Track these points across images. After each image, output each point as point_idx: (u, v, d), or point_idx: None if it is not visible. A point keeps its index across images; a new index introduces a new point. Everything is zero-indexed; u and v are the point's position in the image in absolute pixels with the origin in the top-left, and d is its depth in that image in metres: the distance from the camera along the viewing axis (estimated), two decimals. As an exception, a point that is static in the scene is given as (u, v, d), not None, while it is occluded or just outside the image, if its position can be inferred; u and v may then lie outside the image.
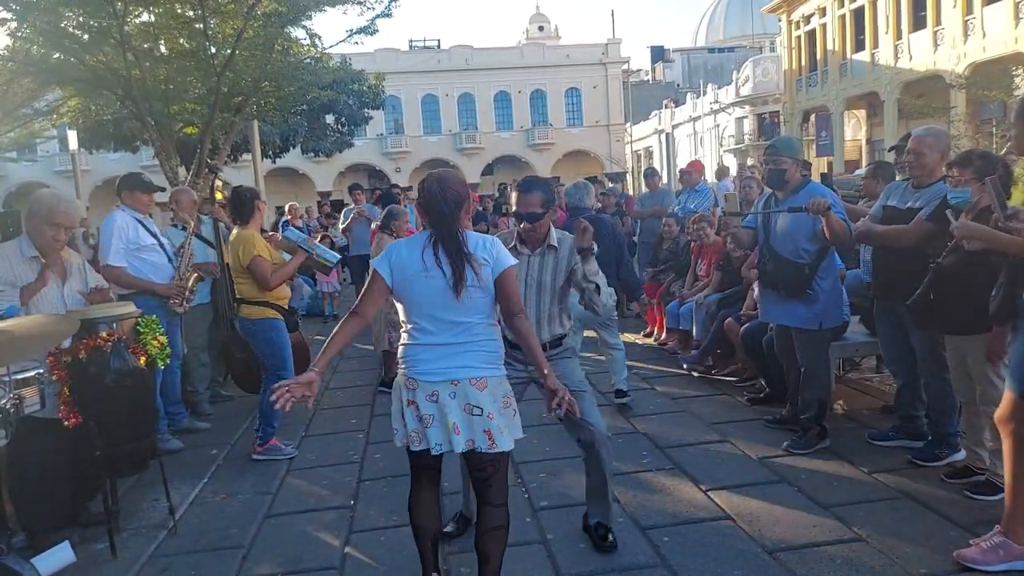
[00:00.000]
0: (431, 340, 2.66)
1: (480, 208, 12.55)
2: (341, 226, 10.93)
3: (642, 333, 7.97)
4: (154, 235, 5.12)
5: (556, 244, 3.29)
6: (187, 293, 5.07)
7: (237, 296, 4.80)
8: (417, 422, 2.66)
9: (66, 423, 3.38)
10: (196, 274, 5.22)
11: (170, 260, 5.12)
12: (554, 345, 3.34)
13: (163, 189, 6.12)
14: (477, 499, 2.77)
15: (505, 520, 2.74)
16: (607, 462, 3.31)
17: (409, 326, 2.73)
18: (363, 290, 2.76)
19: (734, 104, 38.88)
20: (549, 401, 2.64)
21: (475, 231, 2.81)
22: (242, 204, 4.80)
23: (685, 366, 6.43)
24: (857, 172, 14.42)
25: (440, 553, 2.91)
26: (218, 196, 6.22)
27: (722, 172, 8.66)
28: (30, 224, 3.89)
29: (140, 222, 5.04)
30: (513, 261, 2.72)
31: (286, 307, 4.90)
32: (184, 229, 5.51)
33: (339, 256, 4.97)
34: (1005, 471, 2.98)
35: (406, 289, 2.67)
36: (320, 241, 10.74)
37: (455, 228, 2.63)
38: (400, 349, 2.78)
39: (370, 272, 2.76)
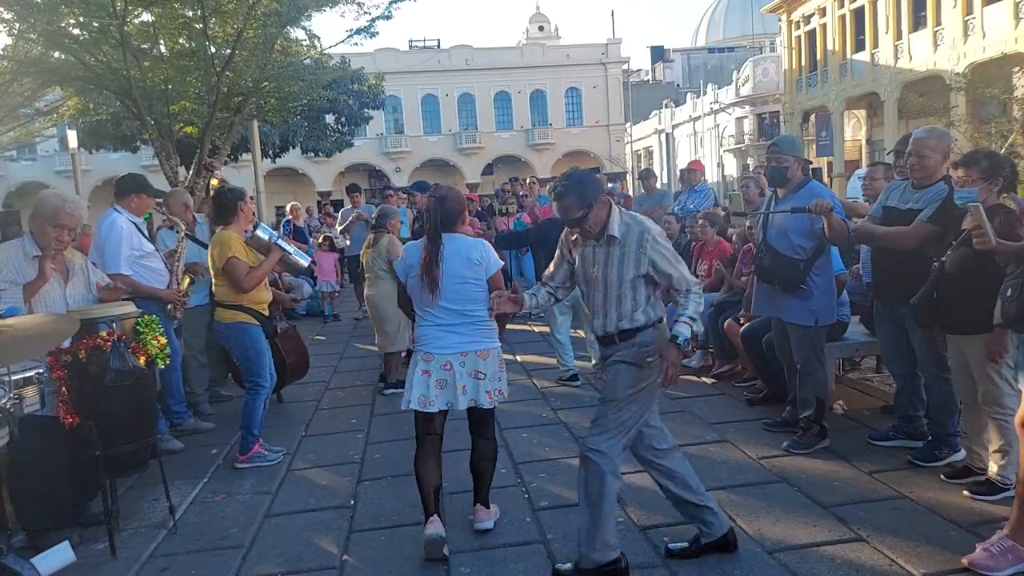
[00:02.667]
0: (443, 322, 3.36)
1: (480, 208, 12.56)
2: (339, 228, 10.93)
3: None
4: (148, 238, 5.11)
5: (618, 235, 3.03)
6: (182, 298, 5.06)
7: (215, 299, 4.74)
8: (427, 388, 3.33)
9: (64, 422, 3.38)
10: (188, 277, 5.19)
11: (165, 265, 5.11)
12: (623, 337, 3.06)
13: (161, 194, 6.11)
14: (473, 436, 3.53)
15: (495, 449, 3.58)
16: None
17: (424, 312, 3.40)
18: (399, 290, 3.58)
19: (734, 104, 38.89)
20: None
21: (478, 229, 3.20)
22: (222, 205, 4.75)
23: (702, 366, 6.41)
24: (858, 172, 14.38)
25: (440, 501, 3.53)
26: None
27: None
28: (34, 224, 3.89)
29: (137, 227, 4.99)
30: (499, 265, 3.43)
31: (264, 312, 4.74)
32: (177, 232, 5.44)
33: (310, 258, 4.85)
34: (1019, 475, 2.94)
35: (415, 287, 3.38)
36: (321, 242, 10.80)
37: (438, 245, 3.31)
38: (416, 330, 3.49)
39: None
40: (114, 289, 4.15)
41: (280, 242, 4.74)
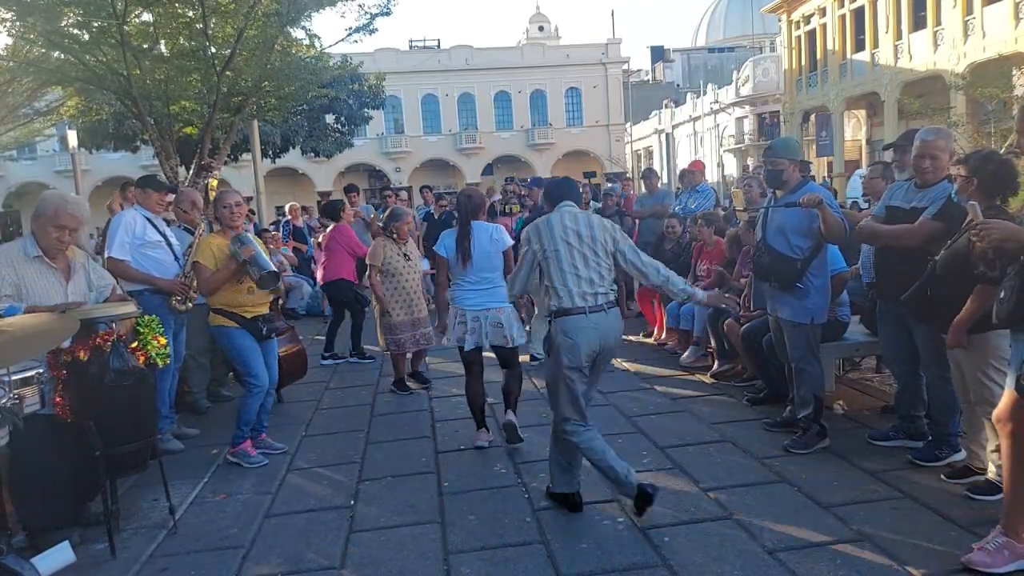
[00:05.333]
0: (473, 287, 4.67)
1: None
2: None
3: (642, 334, 7.96)
4: (162, 234, 5.16)
5: None
6: (190, 292, 5.09)
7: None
8: (464, 332, 4.64)
9: (59, 411, 3.39)
10: None
11: (176, 259, 5.16)
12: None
13: (176, 190, 6.12)
14: (503, 368, 4.84)
15: (519, 375, 4.87)
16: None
17: (458, 280, 4.72)
18: (436, 269, 4.90)
19: (734, 104, 38.88)
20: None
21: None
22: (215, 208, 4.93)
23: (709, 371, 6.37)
24: (858, 172, 14.38)
25: (485, 413, 4.88)
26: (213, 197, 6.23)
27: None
28: (36, 224, 3.89)
29: (150, 220, 5.12)
30: (511, 242, 4.79)
31: (246, 315, 4.67)
32: (188, 230, 5.57)
33: (272, 267, 4.67)
34: (1003, 471, 2.97)
35: (452, 260, 4.70)
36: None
37: (468, 228, 4.66)
38: (453, 292, 4.75)
39: (435, 256, 4.81)
40: (119, 295, 4.18)
41: (237, 251, 4.54)
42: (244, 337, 4.67)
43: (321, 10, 11.18)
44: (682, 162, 35.80)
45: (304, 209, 15.04)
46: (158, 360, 3.70)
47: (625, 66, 51.58)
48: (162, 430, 5.10)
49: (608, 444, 3.68)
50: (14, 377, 3.17)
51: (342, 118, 21.12)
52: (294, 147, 20.02)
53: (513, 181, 12.30)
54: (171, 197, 5.80)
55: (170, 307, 4.99)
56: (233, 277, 4.59)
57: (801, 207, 4.14)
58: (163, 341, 3.74)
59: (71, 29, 9.92)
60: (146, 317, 3.78)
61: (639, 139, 52.68)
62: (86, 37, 9.96)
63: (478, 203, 4.79)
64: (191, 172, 11.25)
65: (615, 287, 3.72)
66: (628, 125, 50.52)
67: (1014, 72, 18.17)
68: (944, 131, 4.11)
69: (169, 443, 4.94)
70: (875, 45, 27.01)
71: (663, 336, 7.45)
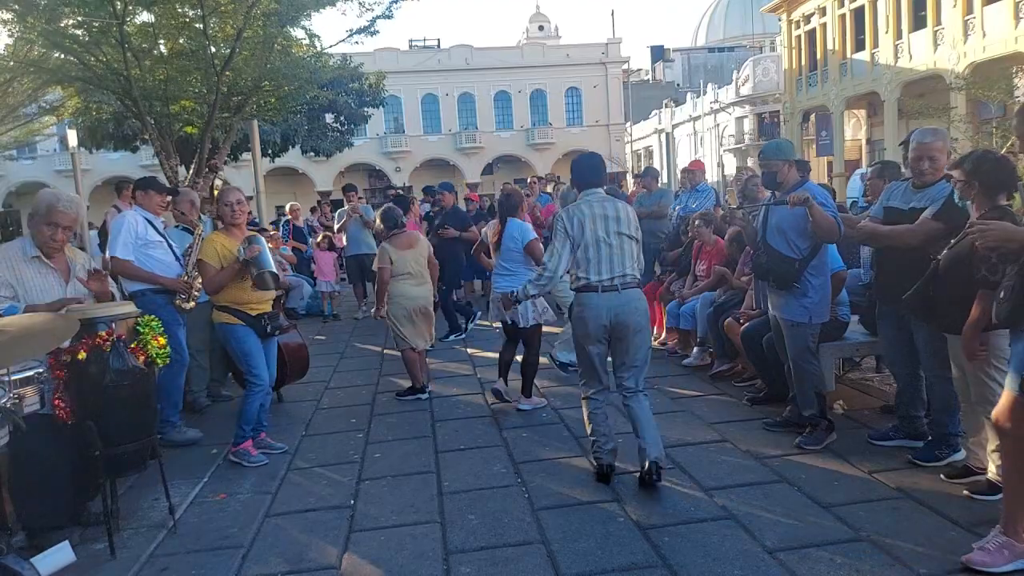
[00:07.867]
0: (504, 272, 5.54)
1: (478, 207, 12.58)
2: (336, 226, 10.91)
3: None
4: (161, 235, 5.23)
5: None
6: (193, 291, 5.14)
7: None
8: (498, 311, 5.30)
9: (59, 413, 3.39)
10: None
11: (177, 259, 5.22)
12: None
13: (177, 192, 6.14)
14: (524, 348, 5.55)
15: (535, 358, 5.54)
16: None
17: (496, 264, 5.66)
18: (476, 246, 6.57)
19: (734, 104, 38.86)
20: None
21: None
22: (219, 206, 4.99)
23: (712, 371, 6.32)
24: (858, 171, 14.37)
25: (507, 376, 5.69)
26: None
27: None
28: (31, 223, 3.90)
29: (150, 222, 5.18)
30: (533, 236, 5.62)
31: (251, 312, 4.68)
32: (187, 230, 5.59)
33: (272, 267, 4.61)
34: (1003, 471, 2.97)
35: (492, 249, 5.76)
36: (320, 240, 10.79)
37: (504, 223, 5.59)
38: (493, 275, 5.75)
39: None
40: (98, 274, 4.09)
41: (243, 250, 4.55)
42: (248, 334, 4.69)
43: (321, 9, 11.16)
44: (682, 162, 35.83)
45: (312, 210, 15.06)
46: (158, 360, 3.71)
47: (625, 66, 51.57)
48: (175, 423, 5.15)
49: (610, 420, 4.22)
50: (14, 377, 3.17)
51: (342, 117, 21.09)
52: (294, 146, 19.96)
53: (538, 180, 12.50)
54: (184, 199, 5.87)
55: (174, 306, 5.03)
56: (237, 275, 4.62)
57: (788, 206, 4.16)
58: (163, 341, 3.74)
59: (71, 29, 9.90)
60: (146, 317, 3.78)
61: (639, 139, 52.66)
62: (86, 37, 9.94)
63: (516, 202, 5.69)
64: (191, 172, 11.24)
65: (635, 273, 4.05)
66: (628, 125, 50.52)
67: (1014, 71, 18.15)
68: (941, 132, 4.14)
69: (187, 434, 5.04)
70: (875, 45, 26.99)
71: (663, 336, 7.45)
